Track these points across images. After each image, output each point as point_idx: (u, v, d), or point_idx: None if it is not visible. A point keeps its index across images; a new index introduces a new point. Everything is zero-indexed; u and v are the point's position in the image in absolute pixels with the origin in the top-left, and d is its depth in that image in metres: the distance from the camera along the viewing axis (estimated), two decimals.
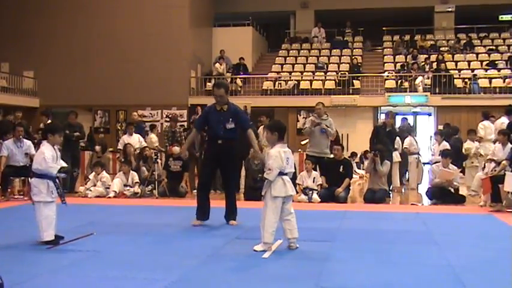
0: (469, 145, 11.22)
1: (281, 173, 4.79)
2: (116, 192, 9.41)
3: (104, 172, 9.89)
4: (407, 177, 12.02)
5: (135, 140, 11.02)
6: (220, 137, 6.04)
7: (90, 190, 9.57)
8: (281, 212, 4.84)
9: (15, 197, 9.32)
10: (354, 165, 13.00)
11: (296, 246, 4.88)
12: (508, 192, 7.91)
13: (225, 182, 6.44)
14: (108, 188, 9.58)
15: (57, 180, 5.08)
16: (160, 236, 5.61)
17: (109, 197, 9.31)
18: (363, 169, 13.11)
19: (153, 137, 11.22)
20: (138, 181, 9.78)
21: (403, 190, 11.25)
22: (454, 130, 11.89)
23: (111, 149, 13.11)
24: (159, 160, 10.26)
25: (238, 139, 6.27)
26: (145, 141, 11.31)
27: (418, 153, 11.62)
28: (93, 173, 9.86)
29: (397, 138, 11.06)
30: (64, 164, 5.24)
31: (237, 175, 6.48)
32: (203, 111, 6.59)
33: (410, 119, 17.42)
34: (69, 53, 18.70)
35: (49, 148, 5.10)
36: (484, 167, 9.38)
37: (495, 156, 9.03)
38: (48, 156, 5.02)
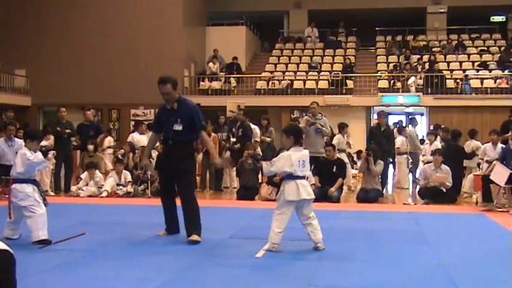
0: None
1: (294, 177, 4.75)
2: (108, 191, 9.37)
3: (97, 172, 9.84)
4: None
5: (145, 139, 10.98)
6: (170, 138, 5.40)
7: (82, 190, 9.53)
8: (300, 216, 4.86)
9: (6, 196, 9.24)
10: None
11: (322, 247, 4.86)
12: (499, 189, 7.95)
13: (177, 187, 5.52)
14: (101, 187, 9.53)
15: (38, 183, 5.22)
16: (153, 235, 5.59)
17: (101, 197, 9.27)
18: (356, 169, 13.12)
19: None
20: (131, 180, 9.74)
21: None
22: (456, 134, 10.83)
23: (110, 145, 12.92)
24: (152, 159, 10.20)
25: (192, 140, 5.61)
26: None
27: (408, 154, 11.64)
28: (86, 172, 9.80)
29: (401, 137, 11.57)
30: (42, 149, 5.39)
31: (190, 178, 5.60)
32: (157, 111, 5.82)
33: (403, 119, 17.47)
34: (61, 51, 18.57)
35: (27, 150, 5.19)
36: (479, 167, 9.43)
37: (487, 157, 9.09)
38: (29, 154, 5.12)
